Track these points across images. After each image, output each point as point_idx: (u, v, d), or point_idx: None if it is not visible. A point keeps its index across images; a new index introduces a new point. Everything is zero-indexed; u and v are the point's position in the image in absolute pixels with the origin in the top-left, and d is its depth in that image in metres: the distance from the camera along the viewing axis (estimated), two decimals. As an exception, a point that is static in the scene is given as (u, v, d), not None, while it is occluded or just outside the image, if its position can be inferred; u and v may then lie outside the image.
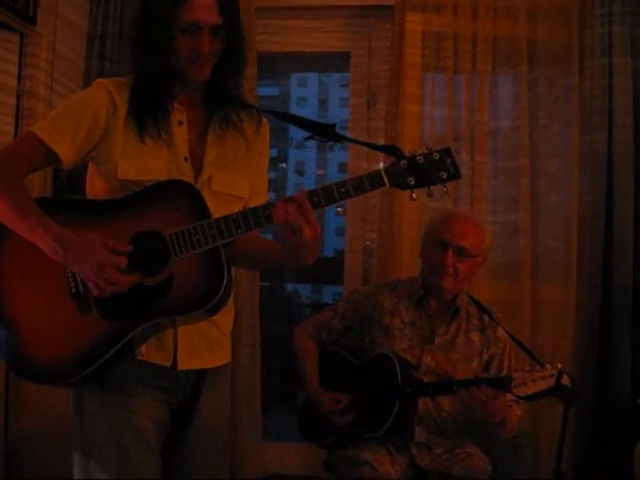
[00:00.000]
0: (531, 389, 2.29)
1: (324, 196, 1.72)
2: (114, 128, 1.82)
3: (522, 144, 3.47)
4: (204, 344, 1.90)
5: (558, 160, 3.50)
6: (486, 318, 2.71)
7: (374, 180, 1.73)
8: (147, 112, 1.82)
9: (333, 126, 1.83)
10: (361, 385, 2.64)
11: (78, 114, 1.82)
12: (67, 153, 1.80)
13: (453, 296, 2.72)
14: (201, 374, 1.91)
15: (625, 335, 3.27)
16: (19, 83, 3.34)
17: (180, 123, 1.88)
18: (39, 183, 3.28)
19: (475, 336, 2.69)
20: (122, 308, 1.73)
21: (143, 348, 1.80)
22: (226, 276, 1.74)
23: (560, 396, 2.30)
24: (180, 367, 1.84)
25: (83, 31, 3.67)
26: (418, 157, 1.73)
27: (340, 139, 1.86)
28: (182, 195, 1.78)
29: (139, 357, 1.80)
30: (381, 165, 3.56)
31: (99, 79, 1.90)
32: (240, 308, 3.33)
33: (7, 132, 3.29)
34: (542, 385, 2.28)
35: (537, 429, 3.35)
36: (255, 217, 1.73)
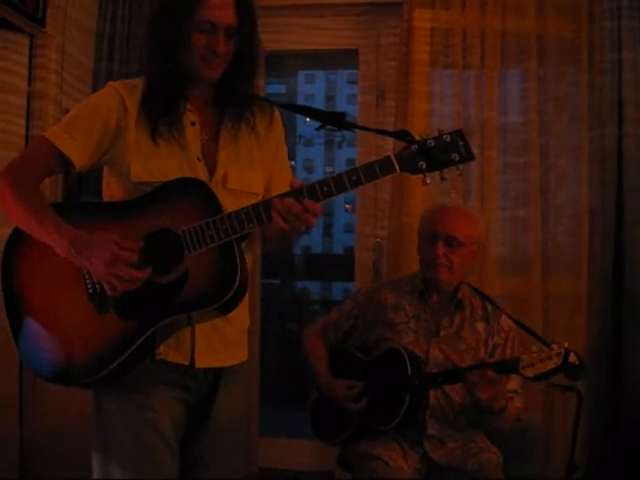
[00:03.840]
0: (539, 369, 2.30)
1: (335, 185, 1.71)
2: (126, 131, 1.83)
3: (531, 139, 3.47)
4: (222, 342, 1.90)
5: (568, 155, 3.49)
6: (489, 308, 2.73)
7: (384, 166, 1.72)
8: (159, 113, 1.83)
9: (343, 115, 1.82)
10: (372, 379, 2.66)
11: (90, 118, 1.84)
12: (80, 158, 1.82)
13: (454, 289, 2.73)
14: (218, 372, 1.92)
15: (637, 329, 3.26)
16: (29, 85, 3.35)
17: (192, 124, 1.89)
18: (50, 185, 3.29)
19: (480, 326, 2.71)
20: (139, 307, 1.75)
21: (161, 347, 1.82)
22: (239, 273, 1.74)
23: (568, 374, 2.32)
24: (198, 365, 1.85)
25: (92, 32, 3.68)
26: (429, 141, 1.71)
27: (350, 127, 1.84)
28: (194, 192, 1.79)
29: (157, 357, 1.82)
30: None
31: (110, 82, 1.92)
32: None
33: (18, 133, 3.30)
34: (550, 364, 2.29)
35: (550, 423, 3.35)
36: (267, 209, 1.73)
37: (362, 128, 1.94)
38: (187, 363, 1.84)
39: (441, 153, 1.71)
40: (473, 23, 3.49)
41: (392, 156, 1.72)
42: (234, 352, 1.97)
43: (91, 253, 1.70)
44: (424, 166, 1.71)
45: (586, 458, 3.25)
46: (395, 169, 1.72)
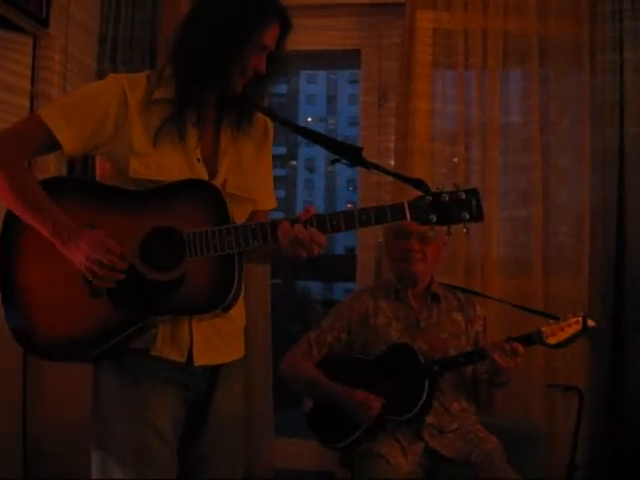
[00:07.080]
0: (562, 337, 2.59)
1: (344, 221, 1.73)
2: (125, 126, 1.81)
3: (533, 140, 3.48)
4: (220, 339, 1.91)
5: (569, 155, 3.51)
6: (462, 298, 2.87)
7: (396, 212, 1.74)
8: (178, 115, 1.83)
9: (360, 150, 1.83)
10: (382, 375, 2.70)
11: (87, 108, 1.81)
12: (70, 143, 1.79)
13: (427, 283, 2.85)
14: (216, 369, 1.92)
15: (638, 329, 3.27)
16: (32, 85, 3.35)
17: (194, 124, 1.87)
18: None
19: (457, 316, 2.83)
20: (131, 299, 1.75)
21: (158, 343, 1.81)
22: (236, 283, 1.76)
23: (589, 337, 2.68)
24: (196, 363, 1.85)
25: (95, 33, 3.68)
26: (444, 195, 1.73)
27: (367, 165, 1.85)
28: (205, 196, 1.79)
29: (153, 353, 1.81)
30: (392, 163, 3.59)
31: (113, 74, 1.89)
32: (252, 305, 3.34)
33: (21, 134, 3.30)
34: (572, 331, 2.59)
35: (551, 423, 3.36)
36: (274, 230, 1.74)
37: (380, 169, 1.90)
38: (183, 360, 1.84)
39: (453, 209, 1.73)
40: (475, 24, 3.50)
41: (406, 204, 1.74)
42: (232, 348, 1.97)
43: (76, 237, 1.70)
44: (434, 219, 1.74)
45: (587, 458, 3.26)
46: (406, 217, 1.74)
